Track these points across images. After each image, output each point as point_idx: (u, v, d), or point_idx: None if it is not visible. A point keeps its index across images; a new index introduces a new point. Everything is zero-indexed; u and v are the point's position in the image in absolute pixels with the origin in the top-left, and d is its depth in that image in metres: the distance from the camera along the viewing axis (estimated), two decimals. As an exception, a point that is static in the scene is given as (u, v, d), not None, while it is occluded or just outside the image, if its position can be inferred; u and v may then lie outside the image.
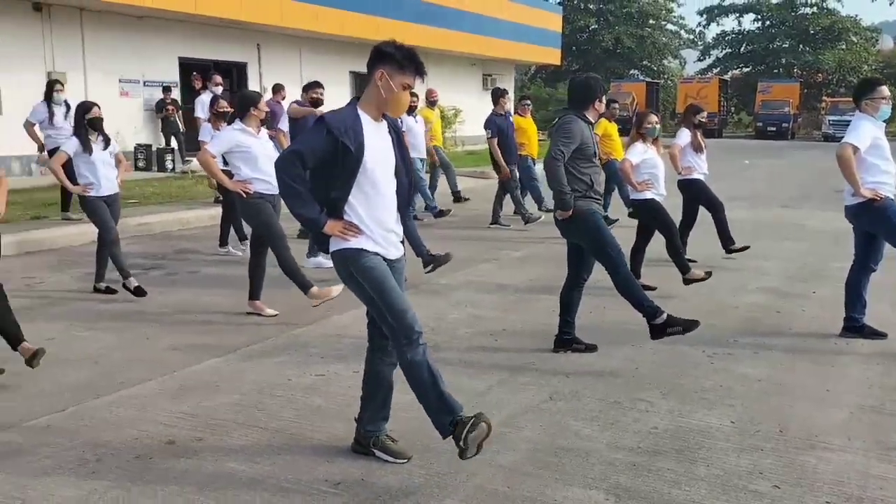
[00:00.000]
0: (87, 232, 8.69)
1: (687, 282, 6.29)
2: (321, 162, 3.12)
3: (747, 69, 49.41)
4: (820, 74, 45.65)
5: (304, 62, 18.85)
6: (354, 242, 3.18)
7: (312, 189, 3.17)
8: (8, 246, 5.22)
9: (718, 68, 49.01)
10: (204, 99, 12.64)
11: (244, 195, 5.60)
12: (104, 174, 6.27)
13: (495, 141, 9.96)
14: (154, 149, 15.29)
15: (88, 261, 7.12)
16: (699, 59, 51.32)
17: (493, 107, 10.21)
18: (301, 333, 5.34)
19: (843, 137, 5.01)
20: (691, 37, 51.35)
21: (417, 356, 3.16)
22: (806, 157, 24.46)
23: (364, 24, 18.84)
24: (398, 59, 3.14)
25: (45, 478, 3.23)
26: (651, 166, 6.41)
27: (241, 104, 5.76)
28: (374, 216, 3.19)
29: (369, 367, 3.43)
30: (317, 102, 7.94)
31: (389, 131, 3.30)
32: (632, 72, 48.70)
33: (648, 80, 43.29)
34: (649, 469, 3.29)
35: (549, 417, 3.86)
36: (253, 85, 18.15)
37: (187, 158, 15.25)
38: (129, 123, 14.97)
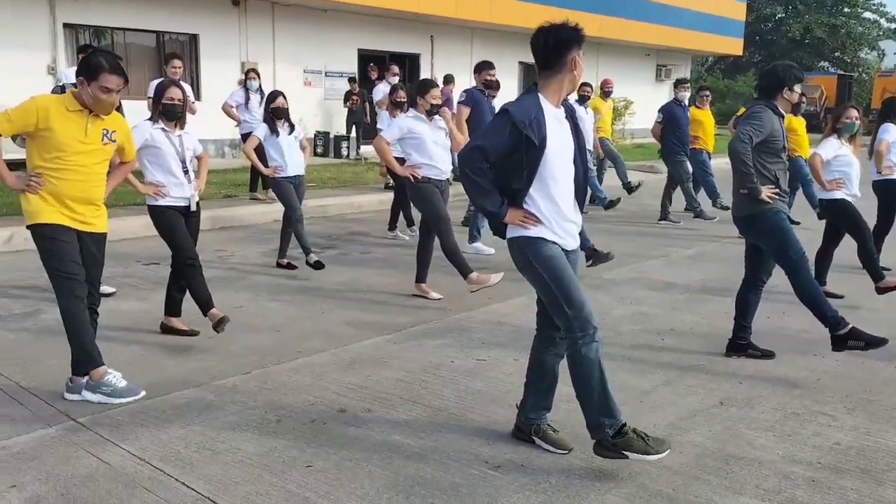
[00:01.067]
0: (270, 211, 9.38)
1: (880, 291, 5.77)
2: (504, 155, 3.14)
3: (959, 61, 44.18)
4: None
5: (475, 53, 19.08)
6: (534, 231, 3.18)
7: (494, 180, 3.18)
8: (204, 221, 5.73)
9: (925, 60, 44.21)
10: (381, 88, 13.15)
11: (413, 180, 5.78)
12: (290, 157, 6.70)
13: (660, 127, 9.71)
14: (332, 136, 16.11)
15: (271, 238, 7.68)
16: (902, 50, 46.54)
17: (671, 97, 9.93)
18: (463, 318, 5.45)
19: None
20: (893, 26, 46.67)
21: (591, 352, 3.11)
22: None
23: (538, 14, 18.67)
24: (580, 36, 3.14)
25: (232, 432, 3.52)
26: (844, 164, 5.90)
27: (416, 90, 5.96)
28: (553, 206, 3.18)
29: (535, 356, 3.44)
30: (489, 84, 7.97)
31: (567, 117, 3.27)
32: (821, 64, 45.05)
33: (841, 72, 39.87)
34: (829, 486, 3.06)
35: (719, 423, 3.69)
36: (425, 75, 18.64)
37: (359, 152, 15.97)
38: (310, 111, 15.88)
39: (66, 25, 12.68)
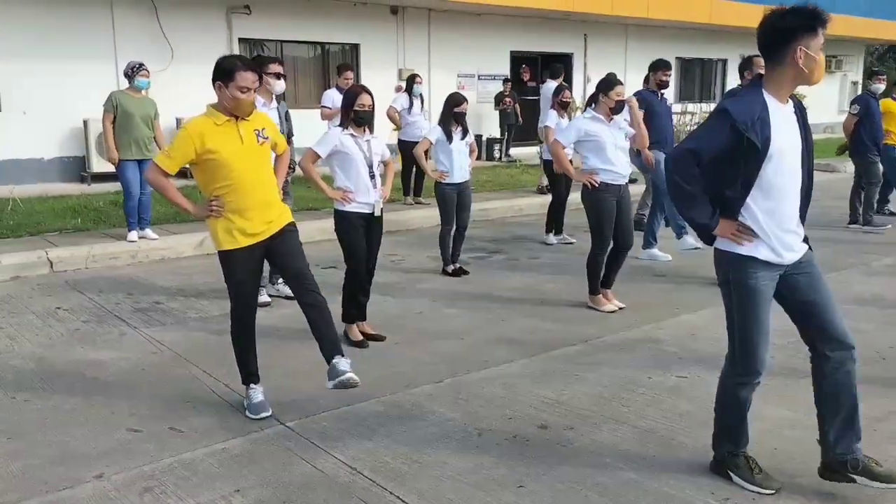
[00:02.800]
0: (434, 216, 9.44)
1: None
2: (719, 159, 2.86)
3: None
4: None
5: (630, 50, 18.52)
6: (747, 248, 2.88)
7: (705, 188, 2.92)
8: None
9: None
10: (550, 85, 12.90)
11: (591, 187, 5.54)
12: (459, 163, 6.67)
13: (855, 120, 8.89)
14: (484, 138, 16.13)
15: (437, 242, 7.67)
16: None
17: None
18: (651, 330, 5.18)
19: None
20: None
21: (743, 393, 3.03)
22: None
23: (697, 9, 17.93)
24: (809, 24, 2.77)
25: (436, 444, 3.47)
26: None
27: (599, 87, 5.70)
28: (773, 217, 2.87)
29: (820, 382, 2.99)
30: (662, 85, 7.58)
31: (795, 111, 2.95)
32: None
33: None
34: None
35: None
36: (577, 75, 18.31)
37: (510, 154, 15.90)
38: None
39: (240, 40, 13.43)
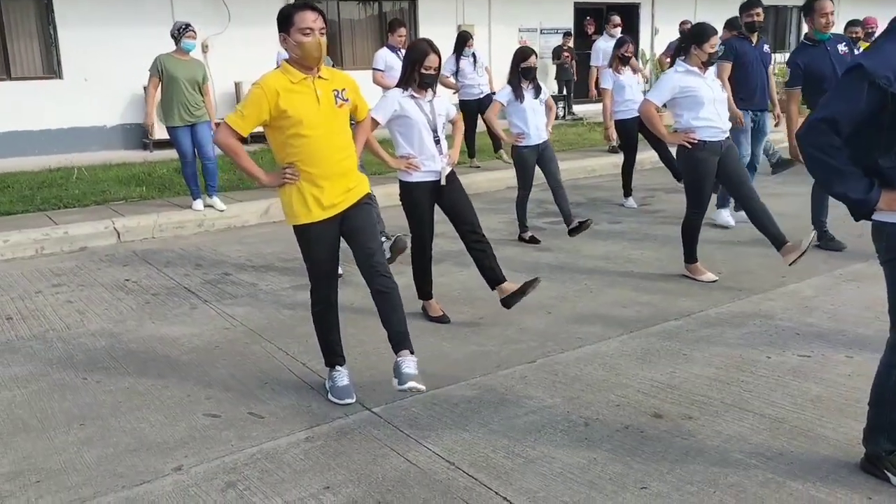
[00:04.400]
0: (502, 178, 9.04)
1: None
2: (862, 124, 2.41)
3: None
4: None
5: (699, 1, 17.53)
6: None
7: (853, 158, 2.47)
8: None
9: None
10: (600, 45, 12.29)
11: (689, 146, 5.02)
12: (534, 123, 6.22)
13: None
14: (549, 94, 15.53)
15: (507, 207, 7.26)
16: None
17: None
18: (758, 302, 4.72)
19: None
20: None
21: None
22: None
23: (773, -49, 16.83)
24: None
25: (538, 436, 3.14)
26: None
27: (685, 39, 5.17)
28: None
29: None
30: (752, 27, 6.79)
31: None
32: None
33: None
34: None
35: None
36: (644, 27, 17.46)
37: (573, 112, 15.30)
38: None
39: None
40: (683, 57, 5.12)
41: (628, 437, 3.10)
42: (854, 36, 8.81)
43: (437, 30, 14.14)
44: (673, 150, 5.76)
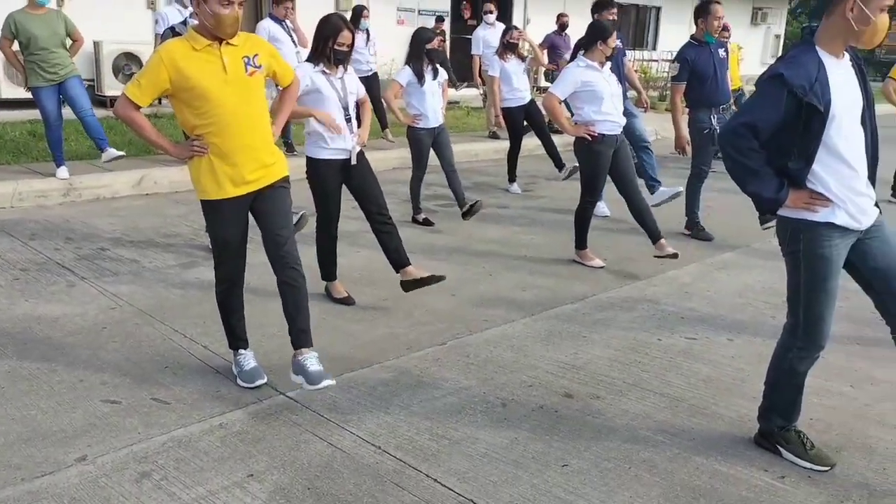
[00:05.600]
0: (388, 158, 9.00)
1: None
2: (778, 129, 2.61)
3: None
4: None
5: (570, -8, 18.15)
6: (823, 214, 2.66)
7: (767, 160, 2.67)
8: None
9: None
10: (480, 34, 12.44)
11: (590, 138, 5.23)
12: (432, 105, 6.24)
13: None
14: (445, 77, 15.55)
15: (396, 187, 7.22)
16: None
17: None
18: (644, 287, 5.02)
19: None
20: None
21: (802, 366, 2.86)
22: None
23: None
24: None
25: (459, 417, 3.19)
26: None
27: (589, 35, 5.34)
28: (844, 181, 2.65)
29: None
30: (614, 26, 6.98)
31: (852, 64, 2.72)
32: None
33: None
34: None
35: None
36: (517, 14, 17.85)
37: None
38: (403, 51, 15.27)
39: (165, -43, 12.28)
40: (584, 52, 5.29)
41: (544, 417, 3.22)
42: (725, 39, 9.44)
43: (313, 2, 13.79)
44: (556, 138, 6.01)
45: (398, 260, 4.45)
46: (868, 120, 2.74)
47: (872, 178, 2.77)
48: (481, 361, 3.75)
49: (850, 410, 3.35)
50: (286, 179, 3.42)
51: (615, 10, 6.88)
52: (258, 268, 4.69)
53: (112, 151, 6.81)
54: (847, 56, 2.71)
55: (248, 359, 3.49)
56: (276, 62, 3.42)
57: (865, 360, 3.83)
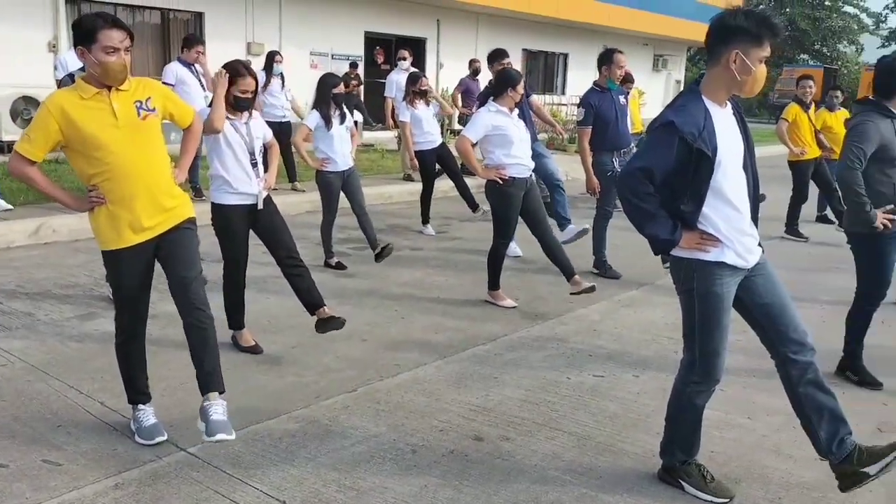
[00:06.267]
0: (300, 202, 8.93)
1: None
2: (670, 173, 2.73)
3: (940, 58, 44.79)
4: None
5: (480, 39, 18.66)
6: (714, 254, 2.78)
7: (661, 203, 2.78)
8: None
9: (904, 56, 44.60)
10: (394, 78, 12.63)
11: (500, 181, 5.32)
12: (341, 149, 6.25)
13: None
14: (354, 121, 15.60)
15: (309, 232, 7.18)
16: (882, 46, 46.97)
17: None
18: (554, 326, 5.10)
19: None
20: (871, 21, 47.15)
21: (700, 400, 2.97)
22: None
23: (544, 2, 18.41)
24: (752, 31, 2.67)
25: (368, 466, 3.14)
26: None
27: (499, 82, 5.49)
28: (731, 222, 2.78)
29: (794, 389, 2.88)
30: (476, 72, 7.17)
31: (734, 113, 2.88)
32: (801, 56, 45.42)
33: (826, 66, 40.09)
34: None
35: (890, 453, 3.40)
36: (430, 61, 18.19)
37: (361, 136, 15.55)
38: (316, 95, 15.32)
39: (68, 1, 11.98)
40: (494, 98, 5.42)
41: (454, 462, 3.20)
42: (628, 90, 9.85)
43: (225, 46, 13.69)
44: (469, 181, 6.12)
45: (311, 301, 4.39)
46: (749, 165, 2.89)
47: (755, 218, 2.92)
48: (392, 407, 3.71)
49: (748, 442, 3.47)
50: (191, 221, 3.34)
51: (509, 60, 7.16)
52: (161, 318, 4.56)
53: (1, 203, 6.52)
54: (730, 105, 2.87)
55: (148, 414, 3.35)
56: (172, 103, 3.38)
57: (762, 392, 3.98)
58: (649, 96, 23.26)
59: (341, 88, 6.22)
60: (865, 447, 2.82)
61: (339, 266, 6.40)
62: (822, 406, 2.83)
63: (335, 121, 6.22)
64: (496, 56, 7.06)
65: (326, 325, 4.30)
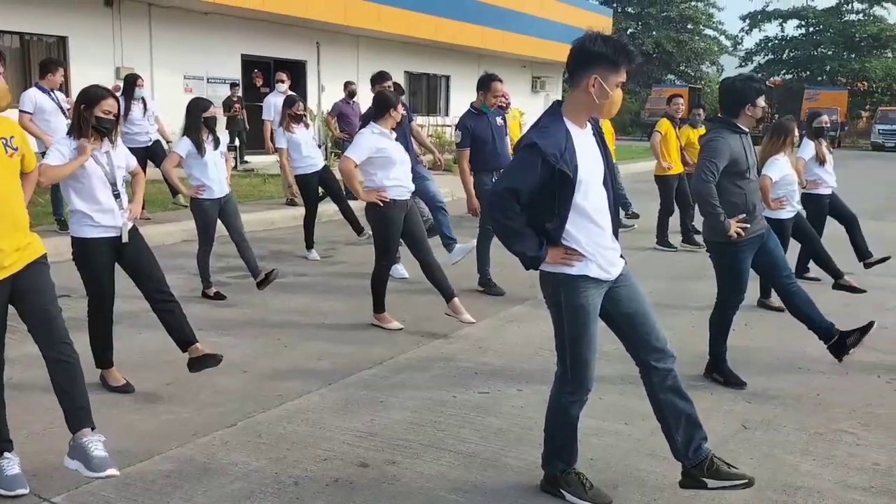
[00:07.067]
0: (175, 231, 8.60)
1: (838, 287, 6.24)
2: (535, 192, 2.82)
3: (789, 76, 48.67)
4: (864, 83, 44.73)
5: (362, 61, 18.67)
6: (578, 268, 2.88)
7: (527, 221, 2.87)
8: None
9: (760, 75, 48.21)
10: (272, 100, 12.46)
11: (381, 204, 5.32)
12: (216, 175, 6.07)
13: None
14: (227, 145, 15.21)
15: (185, 262, 6.92)
16: (740, 66, 50.54)
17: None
18: (440, 346, 5.13)
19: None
20: (729, 43, 50.76)
21: (575, 410, 3.06)
22: (865, 166, 23.94)
23: (425, 25, 18.69)
24: (611, 58, 2.80)
25: (248, 502, 3.03)
26: (790, 182, 5.97)
27: (379, 105, 5.49)
28: (593, 237, 2.90)
29: (655, 394, 3.02)
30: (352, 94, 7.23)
31: (594, 134, 3.02)
32: (668, 77, 48.23)
33: (691, 85, 42.66)
34: (899, 513, 3.03)
35: (754, 449, 3.61)
36: (311, 84, 18.05)
37: (245, 160, 15.28)
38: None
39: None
40: (375, 120, 5.41)
41: (339, 491, 3.14)
42: (503, 106, 10.08)
43: (91, 71, 13.07)
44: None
45: (183, 338, 4.22)
46: (609, 182, 3.02)
47: (616, 232, 3.05)
48: (273, 440, 3.61)
49: (624, 447, 3.59)
50: (44, 257, 3.21)
51: (391, 82, 7.23)
52: (20, 361, 4.27)
53: None
54: (589, 126, 3.00)
55: (12, 464, 3.12)
56: (26, 146, 3.26)
57: (637, 398, 4.08)
58: (529, 116, 24.08)
59: (213, 112, 6.06)
60: (718, 461, 2.99)
61: (218, 296, 6.20)
62: (681, 412, 2.98)
63: (208, 146, 6.04)
64: (379, 79, 7.14)
65: (200, 363, 4.13)
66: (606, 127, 10.39)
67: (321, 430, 3.72)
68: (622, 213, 10.16)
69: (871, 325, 4.32)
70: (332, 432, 3.70)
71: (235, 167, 15.08)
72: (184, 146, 5.99)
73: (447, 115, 22.02)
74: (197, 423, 3.77)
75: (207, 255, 6.20)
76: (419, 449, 3.54)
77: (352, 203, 7.89)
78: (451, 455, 3.48)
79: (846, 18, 46.16)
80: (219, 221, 6.20)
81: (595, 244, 2.91)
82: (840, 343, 4.30)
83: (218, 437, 3.62)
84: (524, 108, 22.67)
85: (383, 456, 3.46)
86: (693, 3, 48.53)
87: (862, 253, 7.08)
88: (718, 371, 4.51)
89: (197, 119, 6.00)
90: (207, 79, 15.66)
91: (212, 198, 6.05)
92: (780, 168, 5.78)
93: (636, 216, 10.25)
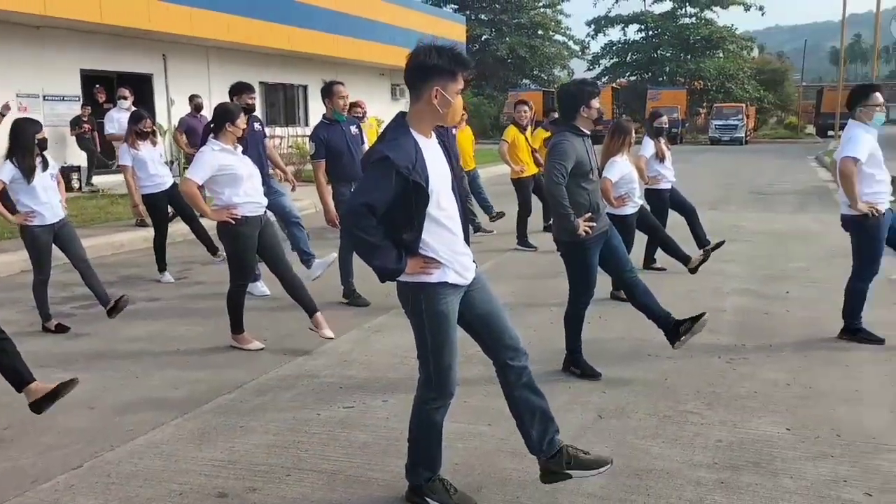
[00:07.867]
0: (13, 262, 7.97)
1: (694, 270, 6.90)
2: (391, 205, 2.82)
3: (633, 77, 51.65)
4: (700, 81, 48.22)
5: (213, 73, 18.07)
6: (436, 276, 2.91)
7: (385, 234, 2.86)
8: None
9: (606, 77, 50.88)
10: (114, 115, 11.84)
11: (233, 222, 5.13)
12: (47, 201, 5.66)
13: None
14: (59, 167, 14.22)
15: (23, 295, 6.42)
16: (589, 69, 53.10)
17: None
18: (303, 363, 5.02)
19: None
20: (577, 47, 53.22)
21: (438, 416, 3.09)
22: (703, 160, 25.73)
23: (276, 35, 18.35)
24: (448, 68, 2.85)
25: (96, 550, 2.83)
26: (630, 180, 6.30)
27: (217, 118, 5.28)
28: (448, 245, 2.94)
29: (511, 392, 3.08)
30: (249, 109, 6.75)
31: (439, 142, 3.06)
32: (523, 81, 49.96)
33: (545, 89, 44.36)
34: (738, 486, 3.25)
35: (610, 437, 3.77)
36: (159, 98, 17.29)
37: (91, 182, 14.43)
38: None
39: None
40: (215, 136, 5.21)
41: (196, 526, 3.00)
42: (359, 116, 10.03)
43: None
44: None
45: (19, 379, 3.90)
46: (456, 189, 3.07)
47: (467, 237, 3.09)
48: (124, 478, 3.40)
49: (488, 448, 3.65)
50: None
51: (254, 95, 6.96)
52: None
53: None
54: (434, 136, 3.02)
55: None
56: None
57: (499, 399, 4.14)
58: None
59: (43, 133, 5.65)
60: (574, 450, 3.09)
61: (61, 328, 5.78)
62: (535, 407, 3.06)
63: (38, 170, 5.62)
64: (239, 90, 6.77)
65: (43, 403, 3.83)
66: (466, 132, 10.72)
67: (176, 463, 3.54)
68: (486, 218, 10.42)
69: (702, 315, 4.57)
70: (187, 464, 3.53)
71: (80, 188, 14.24)
72: (6, 172, 5.54)
73: (307, 125, 21.69)
74: (38, 469, 3.49)
75: (44, 286, 5.77)
76: (281, 473, 3.44)
77: (204, 221, 7.59)
78: (314, 475, 3.41)
79: (681, 22, 49.58)
80: (58, 249, 5.79)
81: (451, 251, 2.94)
82: (674, 331, 4.56)
83: (62, 482, 3.37)
84: (384, 115, 22.75)
85: (243, 484, 3.34)
86: (542, 10, 50.58)
87: (701, 241, 7.60)
88: (575, 364, 4.68)
89: (28, 141, 5.56)
90: (44, 96, 14.64)
91: (43, 224, 5.64)
92: (619, 169, 6.11)
93: (502, 215, 10.45)
